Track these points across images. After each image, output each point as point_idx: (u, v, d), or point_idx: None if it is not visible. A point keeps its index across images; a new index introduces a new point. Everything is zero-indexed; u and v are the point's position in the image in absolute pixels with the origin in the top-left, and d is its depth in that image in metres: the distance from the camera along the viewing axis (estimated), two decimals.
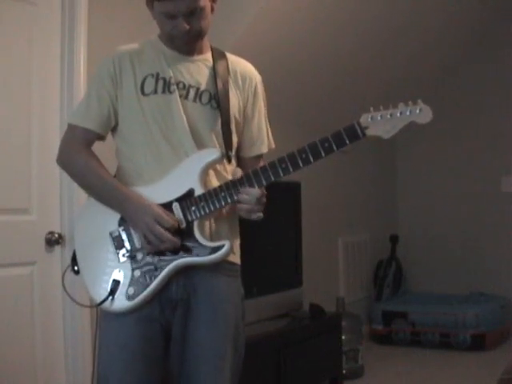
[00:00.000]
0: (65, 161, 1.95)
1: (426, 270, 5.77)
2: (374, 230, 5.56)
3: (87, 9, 2.96)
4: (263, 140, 2.03)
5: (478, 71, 5.56)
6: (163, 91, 1.89)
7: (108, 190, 1.87)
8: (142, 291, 1.82)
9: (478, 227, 5.58)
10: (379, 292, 5.40)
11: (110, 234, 1.87)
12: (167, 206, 1.83)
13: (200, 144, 1.88)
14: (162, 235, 1.78)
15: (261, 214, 1.83)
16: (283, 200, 3.83)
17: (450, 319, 4.90)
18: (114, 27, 3.11)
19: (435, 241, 5.75)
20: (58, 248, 2.87)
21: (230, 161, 1.93)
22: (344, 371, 4.05)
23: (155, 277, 1.82)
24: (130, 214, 1.84)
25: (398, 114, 1.75)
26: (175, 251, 1.82)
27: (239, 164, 2.02)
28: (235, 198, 1.82)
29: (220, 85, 1.92)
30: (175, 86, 1.89)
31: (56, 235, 2.86)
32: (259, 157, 2.04)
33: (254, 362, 3.07)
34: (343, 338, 4.04)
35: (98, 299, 1.86)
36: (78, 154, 1.91)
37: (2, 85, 2.75)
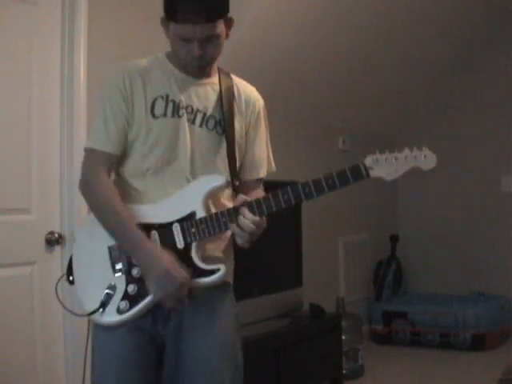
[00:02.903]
0: (84, 190, 1.90)
1: (426, 269, 5.77)
2: (374, 230, 5.56)
3: (87, 9, 2.96)
4: (263, 164, 2.03)
5: (479, 71, 5.56)
6: (172, 115, 1.87)
7: (123, 231, 1.82)
8: (133, 307, 1.81)
9: (477, 227, 5.58)
10: (379, 292, 5.40)
11: (109, 248, 1.86)
12: (168, 226, 1.83)
13: (202, 169, 1.88)
14: (172, 294, 1.77)
15: (247, 245, 1.82)
16: None
17: (450, 319, 4.90)
18: (114, 27, 3.11)
19: (435, 241, 5.75)
20: (58, 248, 2.87)
21: (234, 189, 1.93)
22: (344, 371, 4.05)
23: (147, 294, 1.81)
24: (140, 262, 1.81)
25: (403, 159, 1.79)
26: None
27: (239, 186, 2.00)
28: (236, 222, 1.80)
29: (226, 111, 1.91)
30: (184, 110, 1.88)
31: (56, 235, 2.86)
32: (259, 180, 2.03)
33: (254, 362, 3.07)
34: (343, 338, 4.04)
35: (89, 310, 1.85)
36: (97, 185, 1.86)
37: (1, 85, 2.75)
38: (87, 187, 1.89)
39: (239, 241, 1.82)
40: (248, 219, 1.78)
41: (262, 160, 2.03)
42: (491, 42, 5.44)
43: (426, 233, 5.81)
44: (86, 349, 1.96)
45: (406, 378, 4.33)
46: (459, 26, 5.02)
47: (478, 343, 4.81)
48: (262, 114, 2.03)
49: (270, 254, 3.65)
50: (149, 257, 1.78)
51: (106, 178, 1.87)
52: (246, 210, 1.79)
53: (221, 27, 1.82)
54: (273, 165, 2.07)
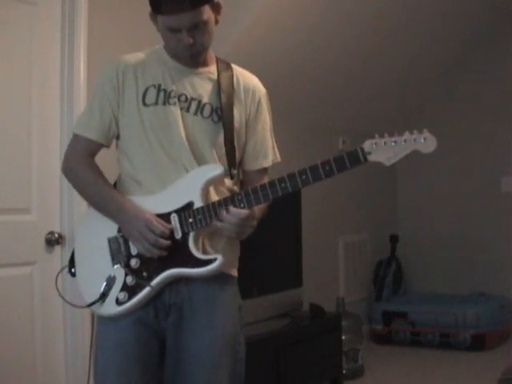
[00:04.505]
0: (67, 171, 1.98)
1: (426, 269, 5.77)
2: (374, 230, 5.56)
3: (87, 9, 2.97)
4: (266, 154, 2.02)
5: (478, 71, 5.56)
6: (163, 103, 1.88)
7: (106, 200, 1.89)
8: (132, 298, 1.83)
9: (478, 227, 5.58)
10: (379, 292, 5.40)
11: (108, 239, 1.88)
12: (166, 217, 1.84)
13: (199, 157, 1.88)
14: (154, 241, 1.80)
15: (234, 236, 1.82)
16: (283, 200, 3.82)
17: (450, 319, 4.90)
18: (114, 27, 3.12)
19: (435, 241, 5.75)
20: (58, 248, 2.87)
21: (232, 178, 1.93)
22: (344, 371, 4.05)
23: (145, 286, 1.82)
24: (123, 223, 1.85)
25: (403, 142, 1.76)
26: (167, 260, 1.82)
27: (244, 177, 2.02)
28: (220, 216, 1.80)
29: (224, 99, 1.91)
30: (176, 99, 1.89)
31: (56, 235, 2.86)
32: (263, 170, 2.02)
33: (254, 362, 3.06)
34: (343, 338, 4.04)
35: (89, 301, 1.87)
36: (79, 164, 1.93)
37: (2, 85, 2.75)
38: (69, 170, 1.96)
39: (225, 233, 1.83)
40: (232, 213, 1.78)
41: (266, 150, 2.01)
42: (491, 42, 5.44)
43: (426, 233, 5.81)
44: (91, 345, 1.97)
45: (406, 378, 4.33)
46: (459, 26, 5.02)
47: (478, 343, 4.81)
48: (263, 102, 2.01)
49: (269, 254, 3.65)
50: (129, 216, 1.83)
51: (87, 160, 1.93)
52: (231, 207, 1.79)
53: (207, 13, 1.82)
54: (277, 155, 2.05)
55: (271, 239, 3.68)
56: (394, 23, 4.42)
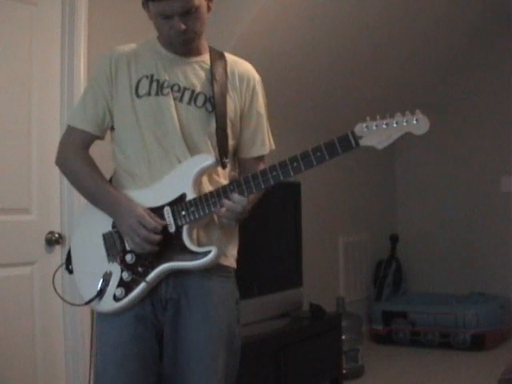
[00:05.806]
0: (62, 163, 1.97)
1: (426, 270, 5.77)
2: (374, 230, 5.56)
3: (87, 9, 2.97)
4: (263, 141, 2.01)
5: (478, 71, 5.56)
6: (156, 93, 1.88)
7: (100, 194, 1.88)
8: (129, 293, 1.83)
9: (477, 227, 5.58)
10: (379, 292, 5.40)
11: (103, 235, 1.88)
12: (159, 210, 1.84)
13: (192, 147, 1.87)
14: (146, 236, 1.80)
15: (232, 222, 1.83)
16: (283, 200, 3.84)
17: (450, 319, 4.90)
18: (114, 27, 3.12)
19: (435, 241, 5.75)
20: (58, 248, 2.87)
21: (224, 167, 1.92)
22: (344, 371, 4.05)
23: (142, 281, 1.82)
24: (116, 217, 1.85)
25: (394, 124, 1.71)
26: (162, 254, 1.82)
27: (240, 165, 2.02)
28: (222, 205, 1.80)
29: (217, 88, 1.90)
30: (169, 89, 1.88)
31: (56, 235, 2.87)
32: (260, 158, 2.02)
33: (254, 362, 3.08)
34: (343, 338, 4.04)
35: (87, 298, 1.87)
36: (74, 157, 1.93)
37: (2, 85, 2.75)
38: (65, 162, 1.96)
39: (225, 221, 1.83)
40: (236, 203, 1.78)
41: (262, 137, 2.01)
42: (491, 42, 5.44)
43: (426, 233, 5.81)
44: (91, 344, 1.97)
45: (406, 378, 4.33)
46: (459, 26, 5.02)
47: (478, 343, 4.82)
48: (258, 90, 2.01)
49: (269, 253, 3.65)
50: (123, 211, 1.83)
51: (81, 152, 1.93)
52: (234, 195, 1.79)
53: None
54: (272, 142, 2.05)
55: (271, 239, 3.68)
56: (394, 24, 4.43)
